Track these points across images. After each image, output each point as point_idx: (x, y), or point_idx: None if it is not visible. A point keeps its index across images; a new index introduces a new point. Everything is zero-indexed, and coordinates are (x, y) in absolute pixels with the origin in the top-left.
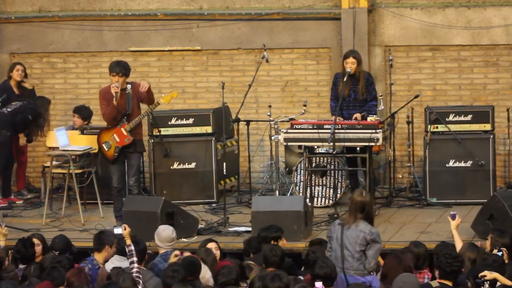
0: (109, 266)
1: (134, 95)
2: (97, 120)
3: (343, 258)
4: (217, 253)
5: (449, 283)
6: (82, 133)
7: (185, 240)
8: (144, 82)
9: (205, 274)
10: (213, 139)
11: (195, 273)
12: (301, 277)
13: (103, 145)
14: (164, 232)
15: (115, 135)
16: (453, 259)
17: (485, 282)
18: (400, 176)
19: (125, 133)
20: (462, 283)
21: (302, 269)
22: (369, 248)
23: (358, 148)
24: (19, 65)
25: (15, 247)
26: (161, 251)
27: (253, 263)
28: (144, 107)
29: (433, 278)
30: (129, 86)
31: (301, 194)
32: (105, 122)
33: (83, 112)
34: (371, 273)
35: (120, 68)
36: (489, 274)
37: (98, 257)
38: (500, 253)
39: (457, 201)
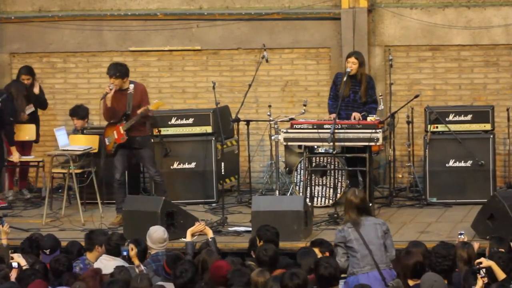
0: (98, 266)
1: (135, 96)
2: (98, 120)
3: (372, 254)
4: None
5: (444, 281)
6: (82, 133)
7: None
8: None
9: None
10: (213, 139)
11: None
12: None
13: (106, 139)
14: (156, 233)
15: (115, 132)
16: (443, 258)
17: (481, 270)
18: (400, 176)
19: (122, 131)
20: (457, 283)
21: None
22: (386, 238)
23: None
24: (24, 76)
25: (21, 246)
26: (153, 251)
27: (253, 264)
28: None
29: None
30: (131, 86)
31: (301, 194)
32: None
33: (80, 112)
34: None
35: (114, 71)
36: (485, 261)
37: (90, 256)
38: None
39: (457, 201)
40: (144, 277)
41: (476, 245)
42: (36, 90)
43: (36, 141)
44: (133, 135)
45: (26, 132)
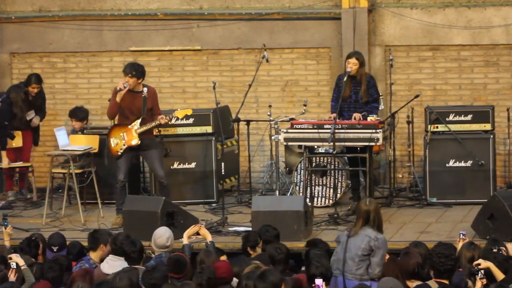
0: (104, 266)
1: (149, 100)
2: (97, 120)
3: (344, 260)
4: None
5: (446, 282)
6: (82, 133)
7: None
8: (164, 117)
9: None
10: (213, 139)
11: (181, 271)
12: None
13: (111, 139)
14: (160, 239)
15: (124, 133)
16: (446, 258)
17: (479, 271)
18: (400, 176)
19: (134, 134)
20: (459, 283)
21: (303, 269)
22: (373, 254)
23: (358, 148)
24: (35, 85)
25: (20, 246)
26: (157, 253)
27: (259, 263)
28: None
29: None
30: (145, 89)
31: (301, 194)
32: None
33: (79, 114)
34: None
35: (130, 70)
36: (483, 263)
37: (94, 256)
38: (499, 253)
39: (457, 201)
40: (123, 276)
41: None
42: (36, 121)
43: (35, 144)
44: (141, 138)
45: (14, 139)
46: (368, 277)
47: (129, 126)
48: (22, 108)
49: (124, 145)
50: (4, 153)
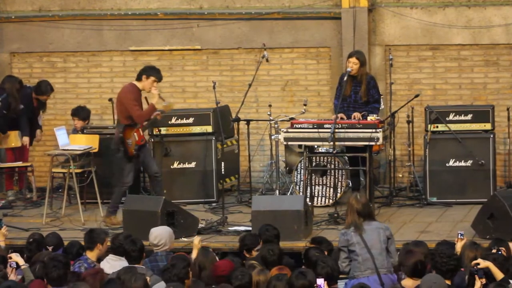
0: (105, 266)
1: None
2: (97, 120)
3: (373, 258)
4: None
5: (448, 282)
6: (83, 132)
7: (185, 239)
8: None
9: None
10: (213, 138)
11: None
12: None
13: (128, 141)
14: (150, 236)
15: (135, 134)
16: (448, 258)
17: (479, 271)
18: (400, 176)
19: (141, 133)
20: (461, 283)
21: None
22: (390, 243)
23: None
24: (51, 93)
25: (28, 247)
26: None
27: (256, 263)
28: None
29: None
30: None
31: (301, 193)
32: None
33: (81, 113)
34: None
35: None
36: (482, 262)
37: (91, 255)
38: (499, 254)
39: (457, 200)
40: (139, 277)
41: None
42: (39, 136)
43: (30, 143)
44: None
45: (12, 139)
46: (392, 268)
47: (137, 127)
48: (16, 98)
49: (136, 145)
50: (15, 133)
